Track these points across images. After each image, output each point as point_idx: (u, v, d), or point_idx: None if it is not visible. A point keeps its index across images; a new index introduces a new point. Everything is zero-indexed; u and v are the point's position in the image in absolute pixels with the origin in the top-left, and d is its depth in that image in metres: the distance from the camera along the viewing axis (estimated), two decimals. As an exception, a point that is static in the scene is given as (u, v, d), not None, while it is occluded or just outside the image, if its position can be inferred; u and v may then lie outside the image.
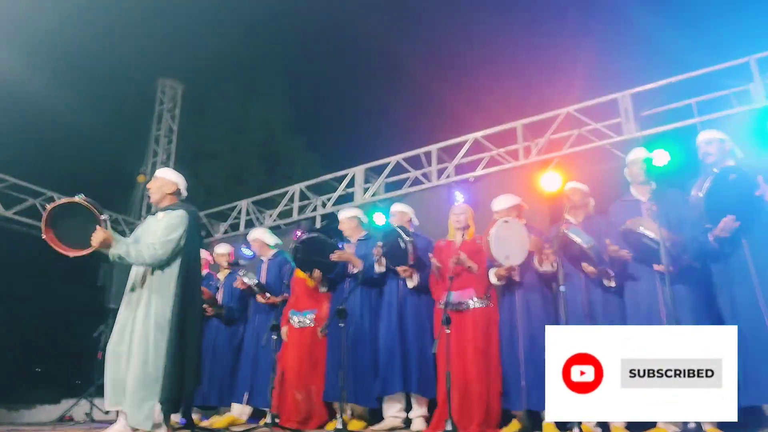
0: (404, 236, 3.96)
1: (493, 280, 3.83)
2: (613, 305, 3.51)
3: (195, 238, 3.40)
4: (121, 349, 3.11)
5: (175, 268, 3.27)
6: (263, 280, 4.92)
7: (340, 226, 4.67)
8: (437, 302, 4.00)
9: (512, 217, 3.85)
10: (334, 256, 4.26)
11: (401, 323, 4.09)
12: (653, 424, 3.22)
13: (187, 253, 3.31)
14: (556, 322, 3.65)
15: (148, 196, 3.58)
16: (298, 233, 5.49)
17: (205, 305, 4.80)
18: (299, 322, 4.50)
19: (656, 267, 3.20)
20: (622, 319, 3.44)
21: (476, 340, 3.72)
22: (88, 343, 7.42)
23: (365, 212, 4.95)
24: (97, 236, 3.05)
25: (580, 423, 2.96)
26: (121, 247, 3.12)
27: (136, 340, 3.10)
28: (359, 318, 4.25)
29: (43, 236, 3.09)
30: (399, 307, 4.14)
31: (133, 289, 3.29)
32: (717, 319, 3.18)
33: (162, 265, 3.23)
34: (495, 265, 3.77)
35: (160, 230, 3.29)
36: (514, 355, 3.66)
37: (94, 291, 8.12)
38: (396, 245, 4.00)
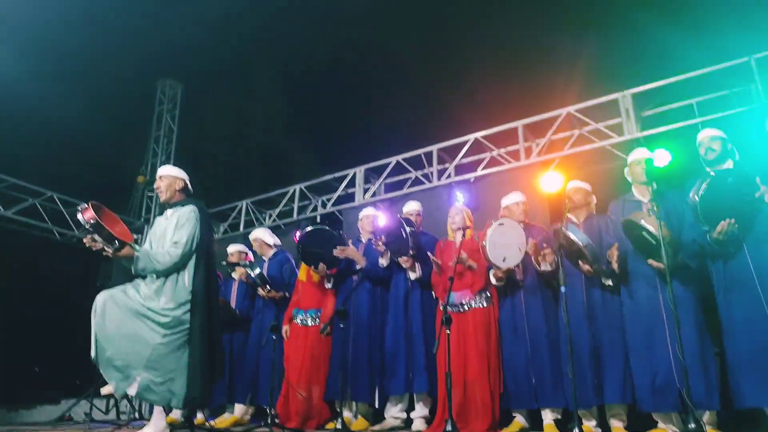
0: (405, 226, 3.97)
1: (493, 281, 3.83)
2: (614, 305, 3.51)
3: (207, 232, 3.41)
4: (127, 331, 3.10)
5: (191, 264, 3.28)
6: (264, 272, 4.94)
7: (359, 223, 4.72)
8: (439, 302, 4.01)
9: (507, 218, 3.85)
10: (338, 252, 4.27)
11: (407, 323, 4.09)
12: (653, 424, 3.22)
13: (200, 248, 3.32)
14: (558, 322, 3.66)
15: (155, 195, 3.61)
16: (299, 234, 5.50)
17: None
18: (303, 320, 4.50)
19: (651, 262, 3.20)
20: (622, 320, 3.44)
21: (477, 340, 3.72)
22: (88, 343, 7.40)
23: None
24: (126, 251, 3.15)
25: (580, 422, 2.96)
26: (139, 262, 3.17)
27: (147, 329, 3.10)
28: (365, 315, 4.25)
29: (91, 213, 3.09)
30: (404, 307, 4.14)
31: (145, 278, 3.28)
32: (717, 324, 3.17)
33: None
34: (493, 267, 3.77)
35: (171, 229, 3.29)
36: (520, 354, 3.66)
37: (94, 291, 8.09)
38: (398, 235, 4.01)
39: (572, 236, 3.35)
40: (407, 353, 3.98)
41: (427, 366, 3.90)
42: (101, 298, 3.15)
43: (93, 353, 3.10)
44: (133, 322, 3.10)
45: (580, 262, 3.49)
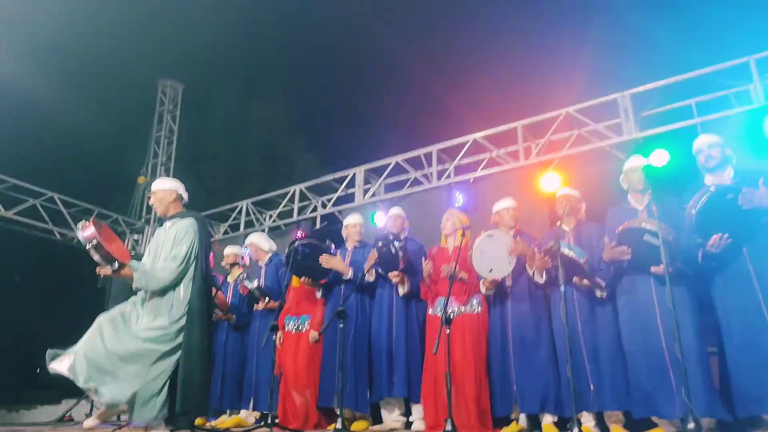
0: (395, 242, 3.98)
1: (482, 290, 3.84)
2: (607, 312, 3.48)
3: (204, 246, 3.38)
4: (118, 335, 3.09)
5: (187, 278, 3.26)
6: (262, 283, 4.93)
7: (345, 231, 4.69)
8: (429, 307, 4.02)
9: (497, 230, 3.84)
10: (323, 262, 4.26)
11: (392, 329, 4.10)
12: (653, 425, 3.22)
13: (197, 262, 3.30)
14: (550, 327, 3.65)
15: (150, 203, 3.59)
16: (299, 234, 5.49)
17: (217, 309, 4.82)
18: (295, 327, 4.51)
19: (653, 269, 3.17)
20: (616, 326, 3.42)
21: (464, 346, 3.71)
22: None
23: (366, 213, 4.97)
24: (125, 271, 3.16)
25: (580, 423, 2.97)
26: (138, 280, 3.18)
27: (137, 341, 3.09)
28: (355, 322, 4.25)
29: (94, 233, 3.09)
30: (390, 313, 4.15)
31: (144, 294, 3.28)
32: (715, 327, 3.16)
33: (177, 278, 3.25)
34: (480, 278, 3.78)
35: (169, 242, 3.29)
36: (506, 360, 3.66)
37: (94, 292, 8.13)
38: (388, 251, 4.01)
39: (569, 252, 3.31)
40: (392, 359, 4.00)
41: (408, 372, 3.92)
42: (96, 324, 3.13)
43: (83, 383, 3.06)
44: (130, 342, 3.08)
45: (575, 277, 3.46)
